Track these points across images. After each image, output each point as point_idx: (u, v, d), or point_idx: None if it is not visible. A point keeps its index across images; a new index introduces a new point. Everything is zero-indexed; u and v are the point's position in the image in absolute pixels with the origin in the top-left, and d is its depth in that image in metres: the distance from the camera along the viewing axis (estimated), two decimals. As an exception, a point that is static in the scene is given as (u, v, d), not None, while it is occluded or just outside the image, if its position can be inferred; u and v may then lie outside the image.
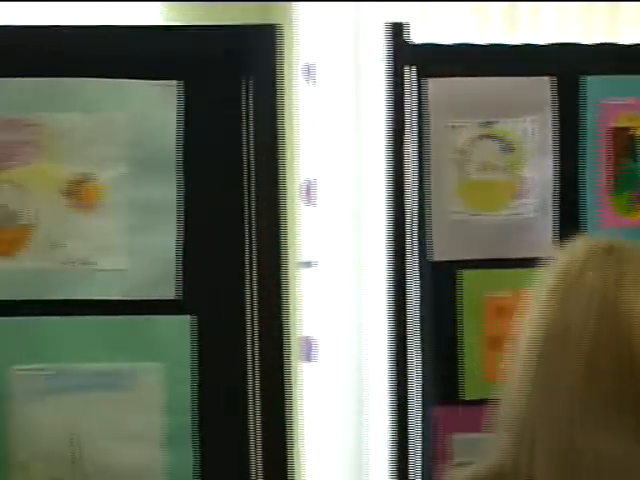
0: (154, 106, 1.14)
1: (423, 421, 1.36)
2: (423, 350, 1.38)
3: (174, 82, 1.15)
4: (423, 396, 1.37)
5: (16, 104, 1.15)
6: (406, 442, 1.36)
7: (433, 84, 1.38)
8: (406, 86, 1.42)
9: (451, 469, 1.17)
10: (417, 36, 1.42)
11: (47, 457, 1.17)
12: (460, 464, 1.19)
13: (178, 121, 1.15)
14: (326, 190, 1.99)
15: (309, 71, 1.94)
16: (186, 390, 1.16)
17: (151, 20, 1.55)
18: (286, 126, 1.14)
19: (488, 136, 1.40)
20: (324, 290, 2.00)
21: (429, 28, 1.94)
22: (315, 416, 1.99)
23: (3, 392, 1.17)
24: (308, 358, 1.98)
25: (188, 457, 1.16)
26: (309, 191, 1.97)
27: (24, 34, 1.16)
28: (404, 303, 1.43)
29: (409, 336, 1.43)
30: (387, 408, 1.42)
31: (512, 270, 1.37)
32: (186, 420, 1.16)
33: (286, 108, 1.16)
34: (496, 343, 1.22)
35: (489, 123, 1.38)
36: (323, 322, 2.01)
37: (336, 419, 2.03)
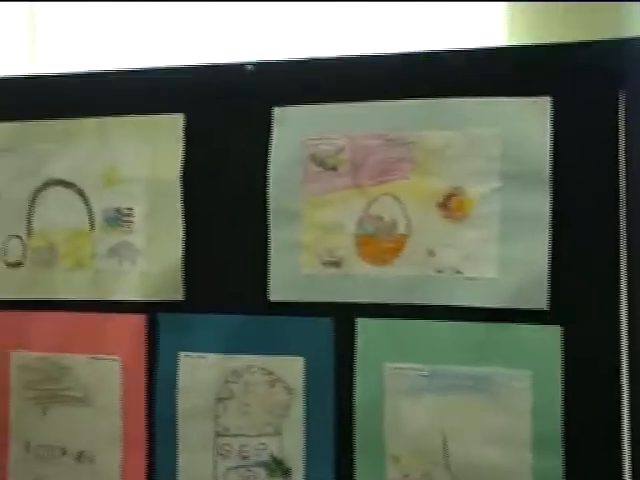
0: (526, 121, 1.19)
1: None
2: None
3: (547, 98, 1.18)
4: None
5: (397, 123, 1.24)
6: None
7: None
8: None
9: None
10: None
11: (417, 452, 1.25)
12: None
13: (550, 135, 1.18)
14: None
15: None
16: (555, 397, 1.19)
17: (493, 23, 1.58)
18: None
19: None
20: None
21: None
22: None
23: (378, 387, 1.25)
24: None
25: (557, 463, 1.18)
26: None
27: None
28: None
29: None
30: None
31: None
32: (555, 426, 1.18)
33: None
34: None
35: None
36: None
37: None
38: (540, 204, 1.18)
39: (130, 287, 1.38)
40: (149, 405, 1.39)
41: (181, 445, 1.37)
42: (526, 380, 1.19)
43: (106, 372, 1.40)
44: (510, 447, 1.21)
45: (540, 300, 1.18)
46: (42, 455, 1.45)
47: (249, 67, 1.31)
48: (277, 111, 1.30)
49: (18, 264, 1.45)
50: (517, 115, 1.20)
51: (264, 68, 1.32)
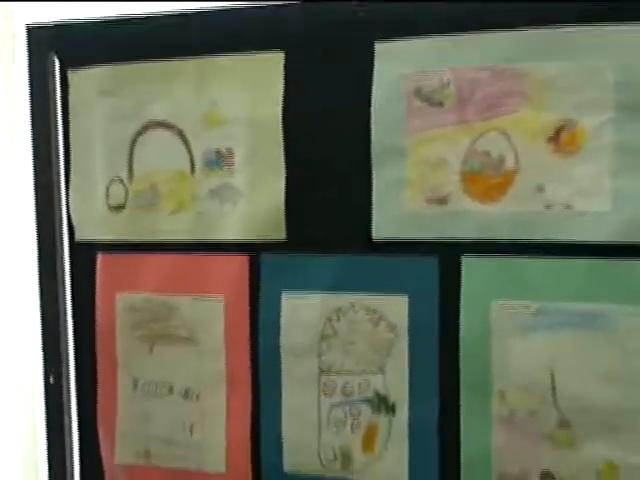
0: (640, 48, 1.14)
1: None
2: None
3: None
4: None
5: (506, 55, 1.20)
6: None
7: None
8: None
9: None
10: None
11: (525, 389, 1.24)
12: None
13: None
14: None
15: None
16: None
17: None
18: None
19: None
20: None
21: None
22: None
23: (485, 325, 1.24)
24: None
25: None
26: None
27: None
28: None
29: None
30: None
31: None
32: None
33: None
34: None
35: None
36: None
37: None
38: None
39: (232, 228, 1.39)
40: (252, 344, 1.40)
41: (285, 383, 1.38)
42: (638, 317, 1.15)
43: (210, 312, 1.42)
44: (621, 385, 1.19)
45: None
46: (150, 391, 1.48)
47: (352, 4, 1.27)
48: (379, 46, 1.28)
49: (120, 207, 1.47)
50: (631, 42, 1.15)
51: (366, 4, 1.27)
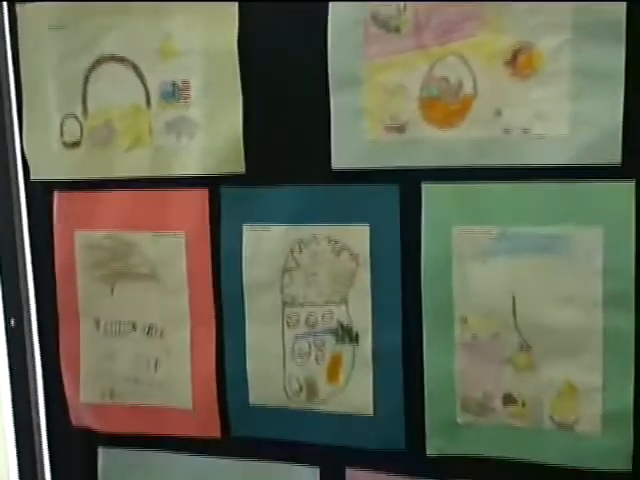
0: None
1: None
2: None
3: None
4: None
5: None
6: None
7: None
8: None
9: None
10: None
11: (486, 313, 1.25)
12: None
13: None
14: None
15: None
16: (628, 255, 1.17)
17: None
18: None
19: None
20: None
21: None
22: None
23: (448, 250, 1.25)
24: None
25: (629, 321, 1.17)
26: None
27: None
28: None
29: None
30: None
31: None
32: (627, 285, 1.18)
33: None
34: None
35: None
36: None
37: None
38: (615, 57, 1.13)
39: (190, 162, 1.37)
40: (215, 279, 1.39)
41: (249, 317, 1.38)
42: (598, 238, 1.17)
43: (171, 248, 1.41)
44: (581, 307, 1.20)
45: (614, 155, 1.14)
46: (112, 330, 1.47)
47: None
48: (335, -28, 1.24)
49: (76, 144, 1.44)
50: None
51: None
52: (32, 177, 1.50)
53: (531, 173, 1.21)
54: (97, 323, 1.49)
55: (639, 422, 1.21)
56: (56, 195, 1.47)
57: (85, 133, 1.43)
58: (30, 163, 1.49)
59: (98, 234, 1.45)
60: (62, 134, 1.45)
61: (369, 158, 1.27)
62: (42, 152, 1.47)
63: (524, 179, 1.21)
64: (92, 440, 1.54)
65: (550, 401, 1.24)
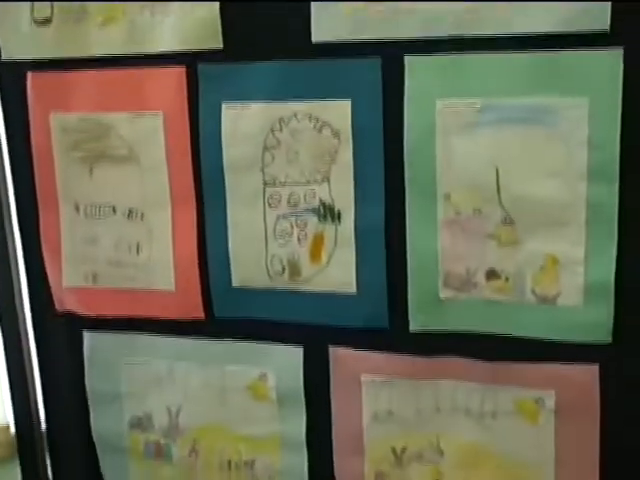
0: None
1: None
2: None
3: None
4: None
5: None
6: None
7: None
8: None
9: None
10: None
11: (469, 188, 1.23)
12: None
13: None
14: None
15: None
16: (613, 126, 1.15)
17: None
18: None
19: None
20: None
21: None
22: None
23: (432, 124, 1.23)
24: None
25: (612, 194, 1.19)
26: None
27: None
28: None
29: None
30: None
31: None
32: (611, 156, 1.15)
33: None
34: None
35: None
36: None
37: None
38: None
39: (166, 37, 1.34)
40: (195, 160, 1.36)
41: (230, 198, 1.36)
42: (583, 108, 1.15)
43: (149, 128, 1.38)
44: (565, 179, 1.19)
45: (602, 22, 1.10)
46: (93, 214, 1.45)
47: None
48: None
49: (47, 21, 1.39)
50: None
51: None
52: (3, 57, 1.45)
53: (517, 43, 1.16)
54: (77, 207, 1.47)
55: (620, 294, 1.18)
56: (29, 76, 1.43)
57: (56, 9, 1.37)
58: (0, 43, 1.42)
59: (74, 115, 1.42)
60: (32, 11, 1.39)
61: (351, 30, 1.24)
62: (12, 30, 1.42)
63: (509, 49, 1.16)
64: (77, 324, 1.54)
65: (533, 275, 1.23)
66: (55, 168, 1.46)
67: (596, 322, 1.21)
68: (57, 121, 1.43)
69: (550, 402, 1.26)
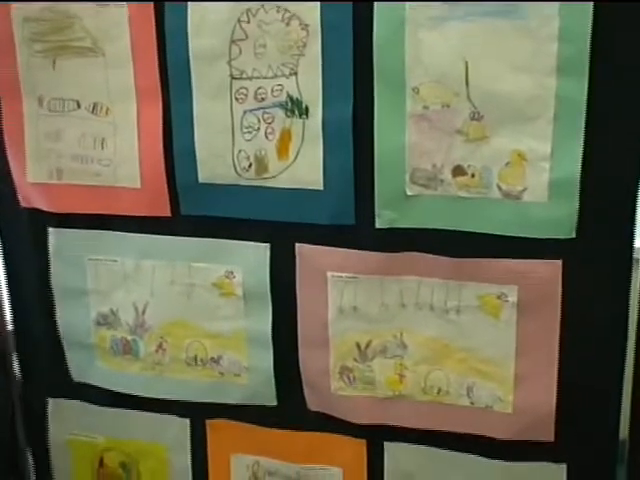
0: None
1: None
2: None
3: None
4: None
5: None
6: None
7: None
8: None
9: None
10: None
11: (438, 82, 1.23)
12: None
13: None
14: None
15: None
16: (584, 20, 1.16)
17: None
18: None
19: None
20: None
21: None
22: None
23: (400, 18, 1.20)
24: None
25: (581, 90, 1.15)
26: None
27: None
28: None
29: None
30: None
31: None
32: (581, 50, 1.14)
33: None
34: None
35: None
36: None
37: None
38: None
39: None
40: (160, 52, 1.33)
41: (196, 92, 1.34)
42: (554, 7, 1.12)
43: (114, 20, 1.34)
44: (534, 74, 1.18)
45: None
46: (56, 108, 1.42)
47: None
48: None
49: None
50: None
51: None
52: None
53: None
54: (40, 101, 1.44)
55: (585, 190, 1.19)
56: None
57: None
58: None
59: (36, 5, 1.36)
60: None
61: None
62: None
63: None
64: (42, 221, 1.52)
65: (499, 171, 1.23)
66: (17, 59, 1.41)
67: (560, 218, 1.22)
68: (19, 11, 1.39)
69: (513, 297, 1.28)
